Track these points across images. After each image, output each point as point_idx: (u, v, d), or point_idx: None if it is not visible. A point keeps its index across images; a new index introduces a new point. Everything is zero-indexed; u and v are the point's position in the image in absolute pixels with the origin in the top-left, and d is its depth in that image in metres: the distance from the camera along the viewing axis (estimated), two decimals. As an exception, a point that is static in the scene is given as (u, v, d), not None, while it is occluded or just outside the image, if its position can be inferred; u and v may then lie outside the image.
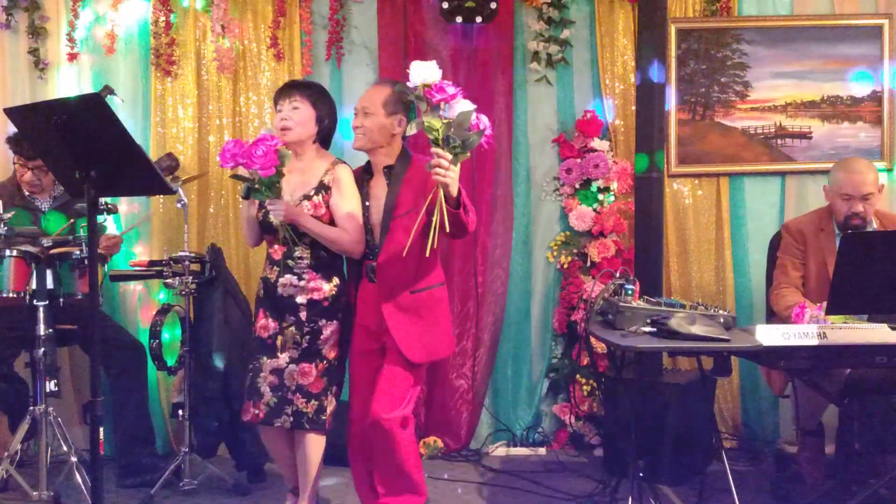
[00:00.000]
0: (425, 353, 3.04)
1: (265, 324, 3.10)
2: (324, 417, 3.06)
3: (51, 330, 3.37)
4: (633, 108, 4.11)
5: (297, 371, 3.04)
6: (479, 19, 4.17)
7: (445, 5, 4.15)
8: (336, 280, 3.09)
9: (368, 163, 3.16)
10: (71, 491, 3.51)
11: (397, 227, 2.98)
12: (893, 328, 2.80)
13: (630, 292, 2.96)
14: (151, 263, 3.74)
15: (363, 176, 3.14)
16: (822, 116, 4.29)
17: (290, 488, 3.26)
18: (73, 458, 3.44)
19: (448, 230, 2.74)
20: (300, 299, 3.04)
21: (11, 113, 2.52)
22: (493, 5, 4.15)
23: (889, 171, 4.28)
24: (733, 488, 3.08)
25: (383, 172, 3.08)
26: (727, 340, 2.74)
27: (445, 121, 2.61)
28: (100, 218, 3.67)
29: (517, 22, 4.32)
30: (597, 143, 4.27)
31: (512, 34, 4.31)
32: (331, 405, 3.10)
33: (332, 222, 3.06)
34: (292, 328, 3.05)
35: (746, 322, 4.06)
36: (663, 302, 2.95)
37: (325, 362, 3.06)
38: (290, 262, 3.05)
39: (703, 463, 3.69)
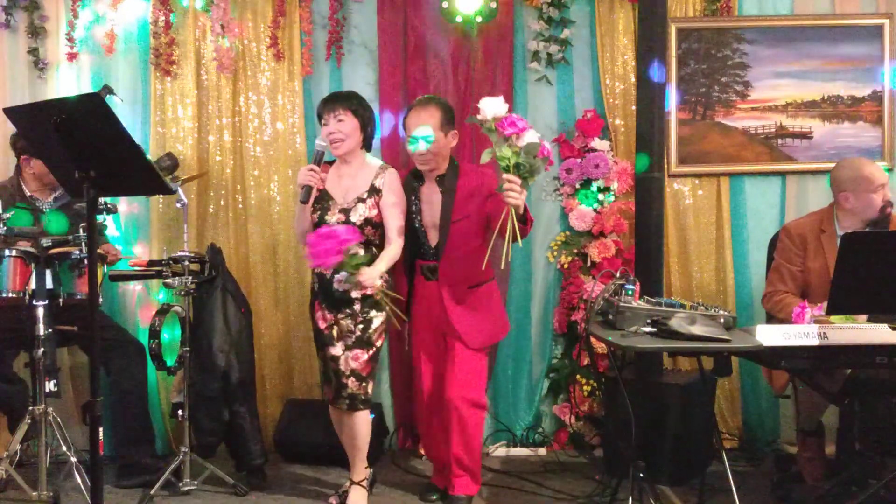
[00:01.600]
0: (486, 338, 3.46)
1: (322, 315, 3.39)
2: (369, 397, 3.38)
3: (50, 330, 3.37)
4: (634, 107, 4.11)
5: (350, 356, 3.31)
6: (479, 19, 4.18)
7: (445, 4, 4.15)
8: (385, 275, 3.32)
9: (416, 169, 3.42)
10: (70, 491, 3.51)
11: (454, 231, 3.33)
12: (893, 328, 2.80)
13: (630, 292, 2.95)
14: (151, 263, 3.73)
15: (412, 181, 3.45)
16: (822, 116, 4.29)
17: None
18: (73, 459, 3.45)
19: (520, 243, 3.07)
20: (354, 294, 3.29)
21: (11, 113, 2.52)
22: (493, 5, 4.15)
23: (890, 170, 4.27)
24: (734, 488, 3.07)
25: (437, 181, 3.38)
26: (727, 340, 2.74)
27: (515, 149, 2.90)
28: (99, 218, 3.67)
29: (517, 21, 4.32)
30: (597, 142, 4.27)
31: (512, 34, 4.31)
32: (371, 386, 3.39)
33: (380, 221, 3.33)
34: (347, 320, 3.33)
35: (747, 322, 4.05)
36: (663, 302, 2.95)
37: (373, 349, 3.34)
38: None
39: (703, 463, 3.69)
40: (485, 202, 3.30)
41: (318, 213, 3.35)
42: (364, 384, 3.33)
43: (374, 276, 3.18)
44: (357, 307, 3.31)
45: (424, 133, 3.29)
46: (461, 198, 3.34)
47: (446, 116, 3.35)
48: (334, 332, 3.35)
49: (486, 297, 3.45)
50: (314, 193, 3.29)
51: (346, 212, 3.31)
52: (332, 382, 3.36)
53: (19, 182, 3.87)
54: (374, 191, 3.32)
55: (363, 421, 3.38)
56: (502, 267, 3.19)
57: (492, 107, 2.94)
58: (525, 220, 3.09)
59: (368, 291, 3.22)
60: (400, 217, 3.35)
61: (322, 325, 3.38)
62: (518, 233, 3.04)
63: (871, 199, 3.40)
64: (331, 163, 3.45)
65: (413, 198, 3.43)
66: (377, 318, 3.33)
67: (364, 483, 3.46)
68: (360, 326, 3.31)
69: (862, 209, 3.42)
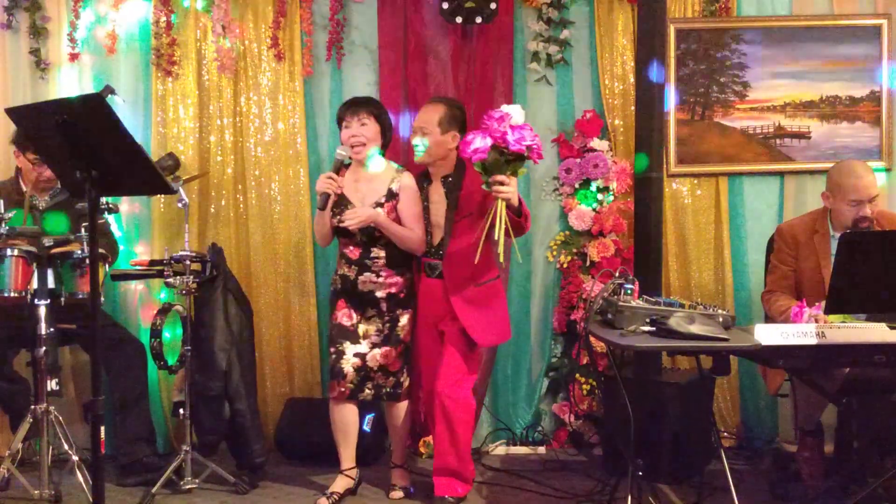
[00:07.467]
0: (494, 337, 3.58)
1: (348, 313, 3.50)
2: (400, 391, 3.52)
3: (52, 329, 3.39)
4: (633, 108, 4.11)
5: (379, 354, 3.46)
6: (478, 19, 4.18)
7: (445, 5, 4.16)
8: (408, 274, 3.52)
9: (427, 170, 3.55)
10: (72, 490, 3.52)
11: (457, 229, 3.40)
12: (891, 327, 2.81)
13: (629, 292, 2.96)
14: (152, 263, 3.74)
15: (422, 181, 3.55)
16: (820, 116, 4.30)
17: (340, 470, 3.57)
18: (75, 457, 3.45)
19: (513, 237, 3.16)
20: (379, 294, 3.45)
21: (13, 113, 2.54)
22: (493, 5, 4.16)
23: (888, 170, 4.29)
24: (732, 487, 3.09)
25: (441, 181, 3.49)
26: (726, 340, 2.74)
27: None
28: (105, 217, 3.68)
29: (517, 22, 4.33)
30: (596, 142, 4.28)
31: (512, 34, 4.32)
32: (406, 380, 3.54)
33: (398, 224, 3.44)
34: (375, 319, 3.47)
35: (745, 321, 4.06)
36: (662, 301, 2.96)
37: (401, 345, 3.50)
38: (367, 261, 3.45)
39: (702, 462, 3.70)
40: (486, 199, 3.32)
41: (336, 217, 3.43)
42: (392, 379, 3.47)
43: (366, 215, 3.32)
44: (384, 306, 3.45)
45: (415, 142, 3.45)
46: (465, 196, 3.40)
47: (449, 115, 3.43)
48: (360, 331, 3.46)
49: (494, 296, 3.49)
50: (332, 199, 3.36)
51: None
52: (346, 377, 3.44)
53: (18, 181, 3.88)
54: (392, 194, 3.42)
55: (400, 411, 3.54)
56: (502, 262, 3.30)
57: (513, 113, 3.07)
58: (520, 213, 3.14)
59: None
60: (418, 219, 3.46)
61: (346, 322, 3.47)
62: (511, 228, 3.11)
63: (844, 210, 3.36)
64: (346, 166, 3.50)
65: (423, 198, 3.52)
66: (403, 316, 3.48)
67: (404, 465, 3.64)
68: (388, 325, 3.46)
69: (836, 214, 3.42)
